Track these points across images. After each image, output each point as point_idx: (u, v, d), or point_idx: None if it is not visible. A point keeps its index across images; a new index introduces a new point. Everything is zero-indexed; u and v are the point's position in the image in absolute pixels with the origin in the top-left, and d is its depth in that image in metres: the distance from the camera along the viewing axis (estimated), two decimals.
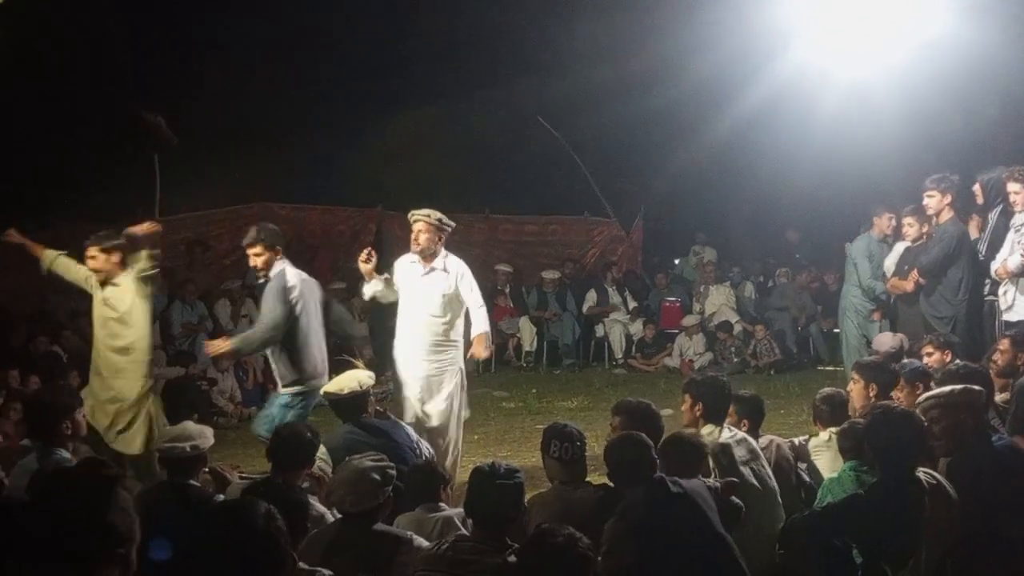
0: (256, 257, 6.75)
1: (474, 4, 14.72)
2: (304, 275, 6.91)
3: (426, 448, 6.07)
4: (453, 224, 7.11)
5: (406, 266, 7.06)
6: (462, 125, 15.77)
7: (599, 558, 3.88)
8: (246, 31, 14.72)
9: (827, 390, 5.82)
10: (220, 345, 7.05)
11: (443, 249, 6.98)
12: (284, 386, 6.73)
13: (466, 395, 7.16)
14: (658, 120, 14.73)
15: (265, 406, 7.34)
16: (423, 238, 6.88)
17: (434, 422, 6.90)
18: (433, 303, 6.90)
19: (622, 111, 14.58)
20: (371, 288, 7.05)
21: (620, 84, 14.21)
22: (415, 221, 6.91)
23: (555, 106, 15.27)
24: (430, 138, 15.60)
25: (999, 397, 5.79)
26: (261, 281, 6.85)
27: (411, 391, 6.99)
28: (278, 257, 6.78)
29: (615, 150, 16.37)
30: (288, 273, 6.72)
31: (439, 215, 6.92)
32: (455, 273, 6.94)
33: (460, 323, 7.03)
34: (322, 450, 5.32)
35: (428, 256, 6.92)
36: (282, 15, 14.97)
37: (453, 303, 6.92)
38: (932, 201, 8.12)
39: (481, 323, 6.97)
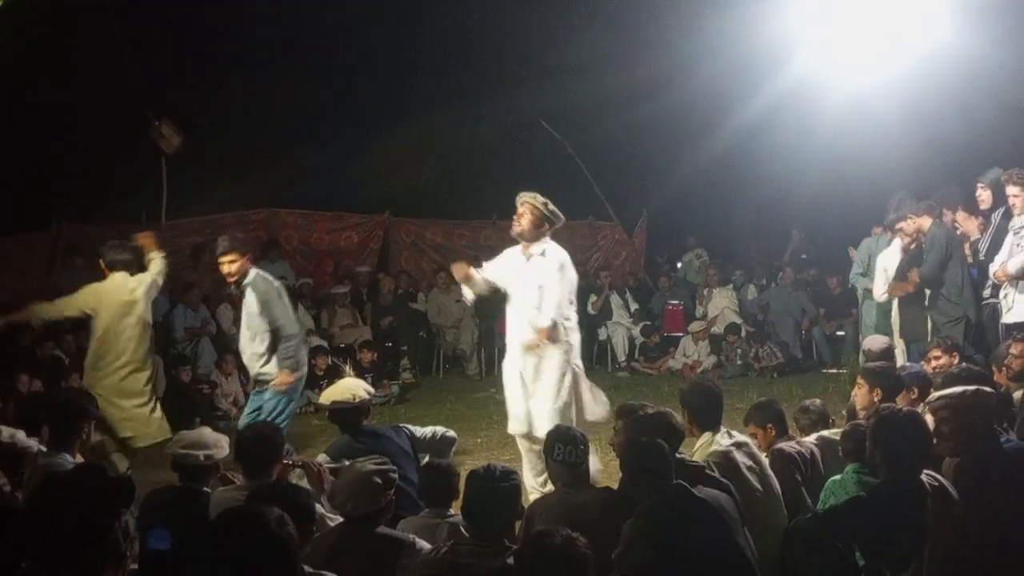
0: (231, 264, 6.99)
1: (480, 11, 14.77)
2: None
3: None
4: (561, 216, 6.78)
5: (511, 255, 6.85)
6: (468, 131, 15.83)
7: (615, 557, 3.92)
8: (255, 39, 14.77)
9: (804, 403, 5.97)
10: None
11: (547, 239, 6.71)
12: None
13: (586, 394, 6.71)
14: (663, 125, 14.81)
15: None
16: (524, 220, 6.65)
17: (533, 422, 6.59)
18: (531, 293, 6.62)
19: (627, 117, 14.64)
20: (466, 292, 7.02)
21: (625, 90, 14.26)
22: (521, 204, 6.70)
23: (561, 111, 15.31)
24: (437, 144, 15.67)
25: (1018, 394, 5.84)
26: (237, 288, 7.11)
27: (508, 388, 6.76)
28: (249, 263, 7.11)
29: (618, 154, 16.40)
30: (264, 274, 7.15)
31: (546, 201, 6.68)
32: (552, 261, 6.63)
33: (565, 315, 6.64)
34: (324, 457, 5.30)
35: (527, 241, 6.70)
36: (291, 23, 15.02)
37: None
38: (907, 226, 8.41)
39: (545, 315, 6.53)
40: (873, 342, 7.37)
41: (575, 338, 6.74)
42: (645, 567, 3.84)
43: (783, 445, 5.24)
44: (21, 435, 4.62)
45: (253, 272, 7.09)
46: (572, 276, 6.76)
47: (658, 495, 4.06)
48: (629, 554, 3.90)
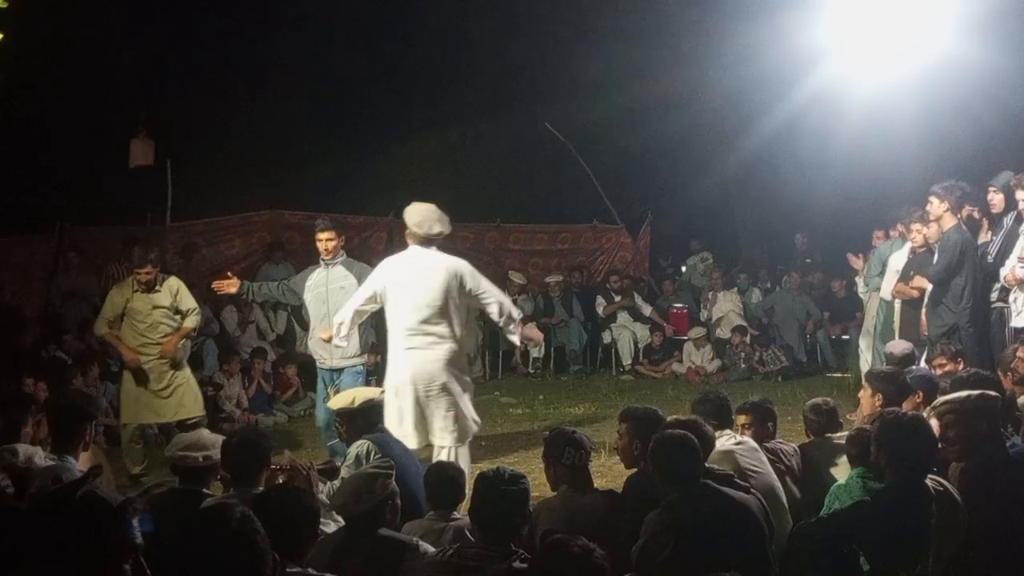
0: (328, 242, 7.48)
1: (492, 27, 14.81)
2: None
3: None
4: (432, 228, 6.59)
5: None
6: (476, 139, 15.84)
7: (634, 551, 3.92)
8: (264, 46, 14.80)
9: (813, 400, 5.92)
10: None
11: (413, 247, 6.70)
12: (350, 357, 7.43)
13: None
14: (677, 138, 14.88)
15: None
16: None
17: None
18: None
19: (639, 131, 14.81)
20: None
21: (640, 105, 14.36)
22: None
23: (576, 125, 15.34)
24: (444, 149, 15.68)
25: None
26: (333, 264, 7.50)
27: None
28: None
29: (624, 159, 16.39)
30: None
31: (409, 211, 6.66)
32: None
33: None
34: (365, 443, 5.38)
35: None
36: (299, 31, 15.07)
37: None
38: (930, 207, 8.14)
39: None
40: (895, 347, 7.22)
41: (402, 370, 6.61)
42: (664, 561, 3.81)
43: (766, 444, 5.30)
44: (38, 456, 4.59)
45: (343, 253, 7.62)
46: (377, 288, 6.71)
47: (684, 490, 4.03)
48: (649, 547, 3.86)
